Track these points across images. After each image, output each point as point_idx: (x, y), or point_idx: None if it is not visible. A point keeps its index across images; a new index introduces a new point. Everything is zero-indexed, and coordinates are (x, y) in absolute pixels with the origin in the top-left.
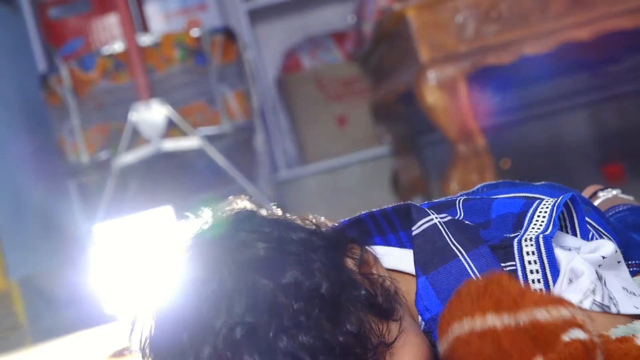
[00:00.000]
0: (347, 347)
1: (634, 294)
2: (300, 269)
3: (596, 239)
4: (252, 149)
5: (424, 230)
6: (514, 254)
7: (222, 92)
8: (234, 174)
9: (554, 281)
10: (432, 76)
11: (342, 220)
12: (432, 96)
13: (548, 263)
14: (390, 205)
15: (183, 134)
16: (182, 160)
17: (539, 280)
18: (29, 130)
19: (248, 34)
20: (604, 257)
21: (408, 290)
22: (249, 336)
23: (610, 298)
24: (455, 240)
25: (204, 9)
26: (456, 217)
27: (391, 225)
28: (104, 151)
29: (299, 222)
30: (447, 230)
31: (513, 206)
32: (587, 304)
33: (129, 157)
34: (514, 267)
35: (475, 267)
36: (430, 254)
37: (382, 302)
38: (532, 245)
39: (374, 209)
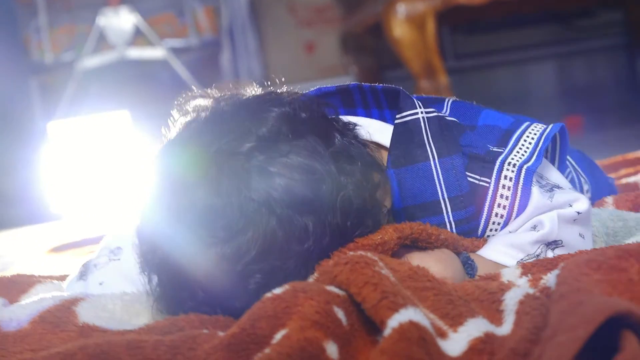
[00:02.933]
0: None
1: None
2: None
3: (572, 177)
4: (218, 65)
5: (405, 122)
6: (492, 172)
7: (193, 6)
8: (196, 88)
9: (518, 214)
10: (401, 9)
11: (327, 86)
12: (399, 29)
13: (520, 195)
14: (380, 85)
15: (149, 43)
16: (145, 70)
17: (504, 207)
18: None
19: None
20: (579, 213)
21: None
22: None
23: None
24: (432, 141)
25: None
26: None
27: (377, 102)
28: (68, 52)
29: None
30: (427, 129)
31: (501, 121)
32: (510, 259)
33: (92, 61)
34: (487, 185)
35: (443, 177)
36: (405, 149)
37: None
38: (513, 172)
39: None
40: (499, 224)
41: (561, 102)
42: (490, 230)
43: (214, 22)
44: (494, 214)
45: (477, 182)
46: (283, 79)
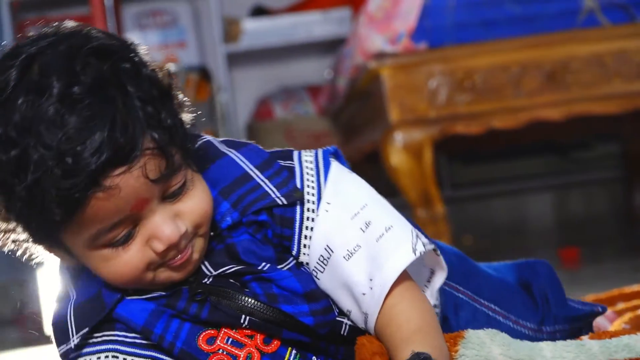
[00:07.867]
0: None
1: None
2: None
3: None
4: None
5: (198, 146)
6: (293, 156)
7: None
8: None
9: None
10: (399, 138)
11: None
12: (397, 158)
13: (323, 171)
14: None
15: None
16: None
17: (313, 182)
18: None
19: (224, 77)
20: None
21: None
22: None
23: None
24: (226, 147)
25: (184, 46)
26: None
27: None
28: None
29: None
30: (220, 143)
31: None
32: (420, 248)
33: None
34: (293, 165)
35: (246, 158)
36: (203, 160)
37: None
38: (311, 155)
39: None
40: (313, 194)
41: (558, 233)
42: (308, 201)
43: None
44: (306, 186)
45: (282, 163)
46: None
